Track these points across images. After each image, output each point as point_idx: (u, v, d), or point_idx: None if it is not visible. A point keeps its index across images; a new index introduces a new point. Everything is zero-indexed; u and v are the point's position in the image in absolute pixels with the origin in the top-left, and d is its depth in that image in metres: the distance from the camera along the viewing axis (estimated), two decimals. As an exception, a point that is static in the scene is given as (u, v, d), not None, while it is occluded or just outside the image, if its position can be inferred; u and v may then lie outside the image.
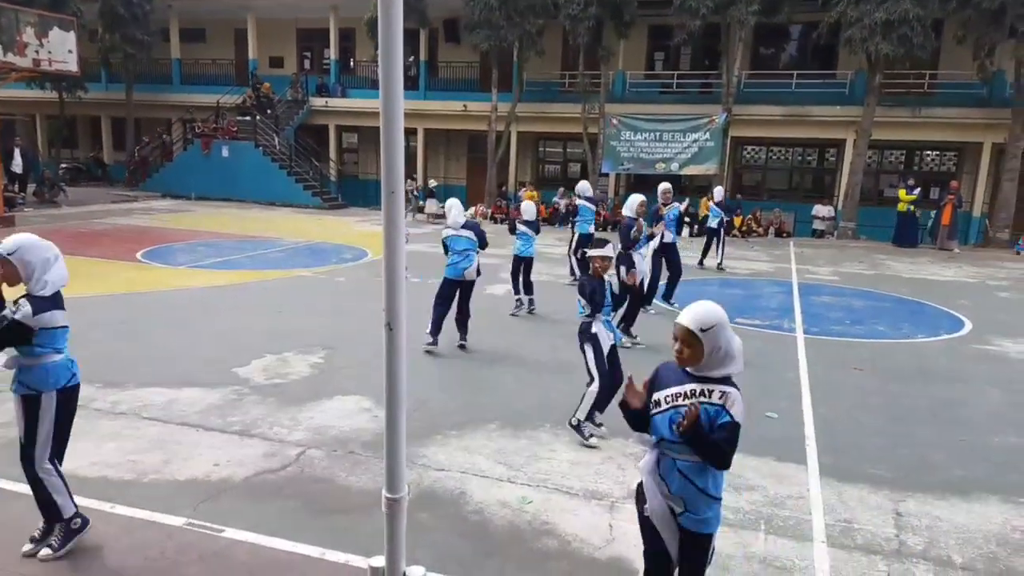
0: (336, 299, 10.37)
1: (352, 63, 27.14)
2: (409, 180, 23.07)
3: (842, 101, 20.69)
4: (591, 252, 5.64)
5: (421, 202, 22.91)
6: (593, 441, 5.39)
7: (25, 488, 4.40)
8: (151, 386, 6.28)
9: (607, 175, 22.66)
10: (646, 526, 3.05)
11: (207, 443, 5.19)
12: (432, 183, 23.77)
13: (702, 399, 2.74)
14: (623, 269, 8.19)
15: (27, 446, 3.74)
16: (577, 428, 5.41)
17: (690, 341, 2.73)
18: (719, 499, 2.86)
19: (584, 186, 12.30)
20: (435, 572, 3.53)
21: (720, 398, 2.72)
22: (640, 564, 3.85)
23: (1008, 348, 8.75)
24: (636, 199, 8.74)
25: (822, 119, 20.51)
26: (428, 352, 7.56)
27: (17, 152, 21.01)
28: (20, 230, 15.92)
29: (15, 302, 3.63)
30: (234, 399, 6.07)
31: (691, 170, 21.37)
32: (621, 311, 7.97)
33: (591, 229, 11.77)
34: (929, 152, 22.02)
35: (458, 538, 4.05)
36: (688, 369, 2.79)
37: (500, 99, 22.48)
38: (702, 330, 2.71)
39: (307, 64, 28.12)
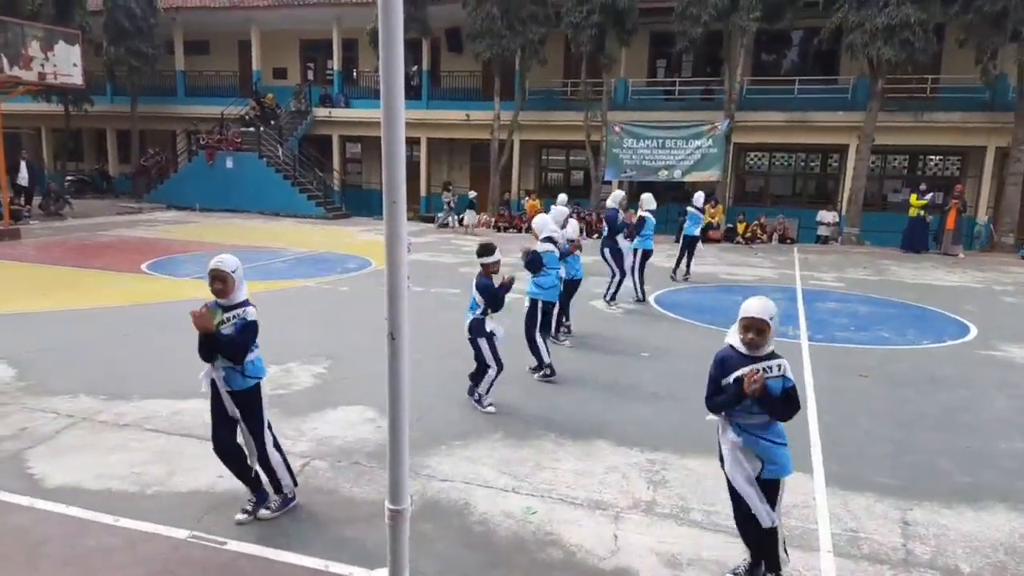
0: (340, 309, 10.38)
1: (355, 73, 27.27)
2: (446, 192, 22.79)
3: (844, 106, 20.69)
4: (484, 260, 6.15)
5: (459, 214, 21.80)
6: (491, 409, 6.17)
7: (28, 500, 4.42)
8: (156, 398, 6.29)
9: (610, 183, 22.67)
10: (731, 485, 3.64)
11: (211, 455, 5.15)
12: (472, 195, 22.26)
13: (769, 374, 3.41)
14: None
15: (258, 432, 4.27)
16: (478, 401, 6.24)
17: (763, 328, 3.41)
18: (786, 444, 3.60)
19: (648, 197, 11.63)
20: (439, 584, 3.52)
21: (780, 369, 3.46)
22: (645, 574, 3.84)
23: (1015, 354, 8.70)
24: (560, 201, 9.12)
25: (825, 125, 20.51)
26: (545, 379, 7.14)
27: (23, 165, 21.13)
28: (26, 243, 16.03)
29: (231, 316, 4.14)
30: (238, 410, 6.06)
31: (694, 177, 21.37)
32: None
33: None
34: (932, 157, 22.00)
35: (462, 549, 4.04)
36: (745, 353, 3.46)
37: (503, 108, 22.54)
38: (771, 318, 3.43)
39: (310, 75, 28.27)
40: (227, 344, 4.08)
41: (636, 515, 4.46)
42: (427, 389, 6.59)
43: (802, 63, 22.92)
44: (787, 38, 22.76)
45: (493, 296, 6.06)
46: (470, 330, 6.16)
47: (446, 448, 5.39)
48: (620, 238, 10.52)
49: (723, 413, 3.57)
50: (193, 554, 3.90)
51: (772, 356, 3.49)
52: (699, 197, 13.45)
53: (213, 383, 4.20)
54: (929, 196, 18.62)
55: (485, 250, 6.18)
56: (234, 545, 3.98)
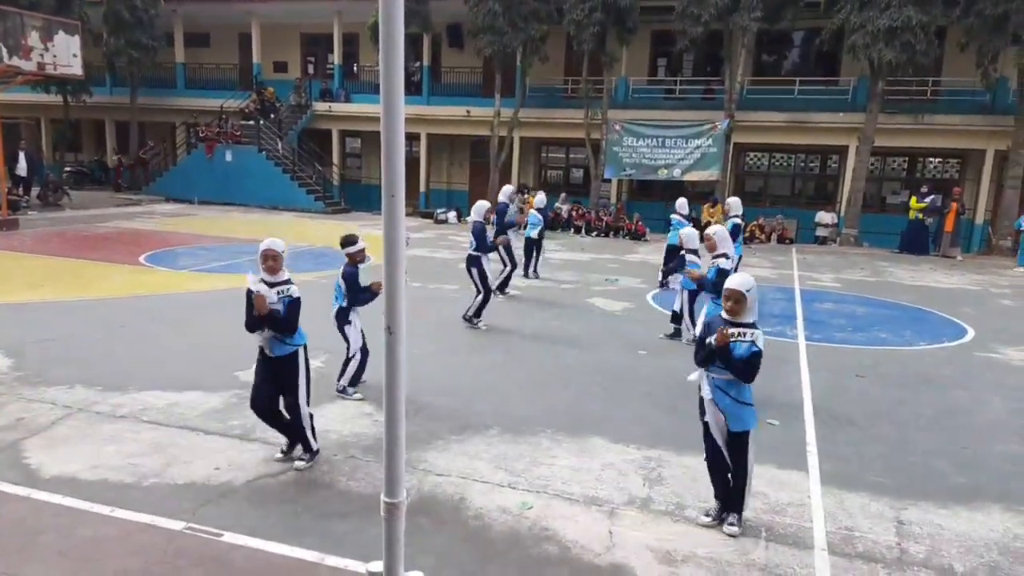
0: (338, 303, 10.35)
1: (356, 68, 27.20)
2: (521, 193, 20.01)
3: (844, 108, 20.69)
4: (348, 249, 6.30)
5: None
6: (357, 397, 6.29)
7: (24, 490, 4.42)
8: (152, 389, 6.29)
9: (609, 180, 22.68)
10: (706, 431, 4.31)
11: (207, 447, 5.18)
12: (562, 198, 21.13)
13: (741, 338, 4.04)
14: (474, 271, 8.96)
15: (294, 395, 4.82)
16: (343, 392, 6.32)
17: (739, 299, 4.09)
18: (751, 404, 4.19)
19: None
20: (434, 578, 3.52)
21: (751, 336, 4.06)
22: (640, 570, 3.85)
23: (1011, 356, 8.72)
24: (483, 205, 9.23)
25: (824, 126, 20.51)
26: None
27: (21, 155, 21.06)
28: (24, 233, 15.99)
29: (279, 292, 4.71)
30: (235, 403, 6.06)
31: (693, 176, 21.38)
32: (478, 300, 8.98)
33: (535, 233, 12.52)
34: (932, 159, 22.02)
35: (458, 543, 4.04)
36: (728, 318, 4.14)
37: (503, 104, 22.51)
38: (748, 291, 4.10)
39: (311, 69, 28.20)
40: (282, 323, 4.68)
41: (632, 511, 4.47)
42: (424, 384, 6.60)
43: (803, 64, 22.90)
44: (788, 38, 22.73)
45: (354, 285, 6.23)
46: (336, 319, 6.36)
47: (443, 443, 5.40)
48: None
49: (705, 370, 4.22)
50: (189, 545, 3.90)
51: (751, 326, 4.10)
52: (683, 204, 12.06)
53: (260, 348, 4.78)
54: (930, 199, 18.59)
55: (348, 240, 6.33)
56: (230, 537, 3.98)
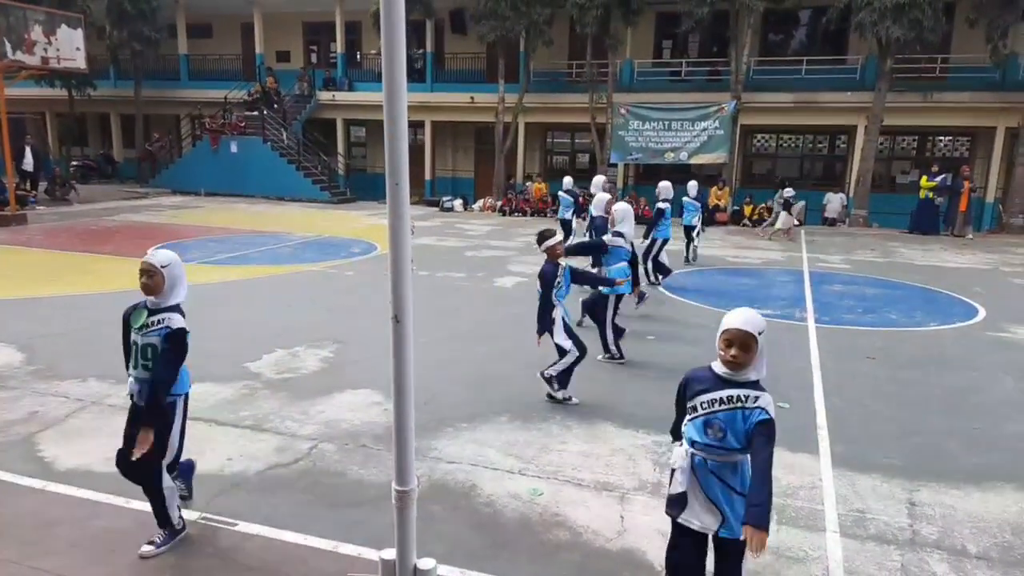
0: (346, 293, 10.38)
1: (359, 56, 27.10)
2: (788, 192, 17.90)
3: (853, 87, 20.47)
4: (546, 243, 6.06)
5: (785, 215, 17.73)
6: (574, 402, 6.03)
7: (39, 483, 4.46)
8: (163, 381, 6.31)
9: (615, 165, 22.56)
10: (682, 532, 3.05)
11: (220, 438, 5.21)
12: (789, 192, 18.05)
13: (741, 404, 2.81)
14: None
15: (157, 456, 3.62)
16: (549, 381, 6.04)
17: (749, 345, 2.78)
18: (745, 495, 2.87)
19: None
20: (446, 564, 3.54)
21: (755, 401, 2.81)
22: (652, 554, 3.85)
23: (1022, 335, 8.65)
24: (604, 197, 9.28)
25: (832, 105, 20.30)
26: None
27: (28, 150, 21.13)
28: (32, 228, 16.05)
29: (155, 321, 3.74)
30: (246, 394, 6.10)
31: (700, 159, 21.24)
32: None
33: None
34: (942, 137, 21.79)
35: (469, 530, 4.06)
36: (721, 373, 2.86)
37: (507, 90, 22.39)
38: (760, 333, 2.79)
39: (314, 58, 28.11)
40: (162, 384, 3.69)
41: (642, 496, 4.48)
42: (434, 372, 6.60)
43: (810, 43, 22.64)
44: (794, 18, 22.45)
45: (551, 284, 5.89)
46: (539, 324, 5.96)
47: (453, 430, 5.41)
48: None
49: (688, 448, 2.96)
50: (203, 535, 3.93)
51: (755, 386, 2.83)
52: (692, 186, 13.19)
53: (130, 394, 3.77)
54: (940, 178, 18.41)
55: (545, 235, 6.09)
56: (243, 526, 4.01)
